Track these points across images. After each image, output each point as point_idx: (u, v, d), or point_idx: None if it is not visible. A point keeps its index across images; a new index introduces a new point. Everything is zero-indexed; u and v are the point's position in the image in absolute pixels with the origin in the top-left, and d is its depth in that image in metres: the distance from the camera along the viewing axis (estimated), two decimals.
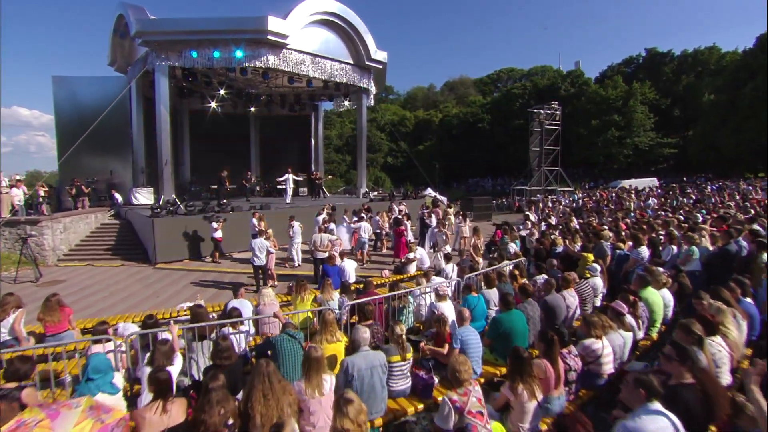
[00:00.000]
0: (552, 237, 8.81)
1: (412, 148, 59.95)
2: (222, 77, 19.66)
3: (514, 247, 9.40)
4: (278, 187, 21.15)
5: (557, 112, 35.66)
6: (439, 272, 8.53)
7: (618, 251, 7.45)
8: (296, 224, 11.81)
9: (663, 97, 46.65)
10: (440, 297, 5.55)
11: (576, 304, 5.83)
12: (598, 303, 6.60)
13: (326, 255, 10.00)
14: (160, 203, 15.29)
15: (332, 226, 12.18)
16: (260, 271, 9.96)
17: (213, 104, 21.96)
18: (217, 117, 24.23)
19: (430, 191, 29.47)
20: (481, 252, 9.38)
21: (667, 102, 46.64)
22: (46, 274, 11.61)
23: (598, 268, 6.66)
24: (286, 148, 26.14)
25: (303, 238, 12.14)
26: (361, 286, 6.77)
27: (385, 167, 58.93)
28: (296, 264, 12.00)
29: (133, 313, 7.10)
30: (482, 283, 6.32)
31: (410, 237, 12.61)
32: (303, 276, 11.06)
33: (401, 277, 9.86)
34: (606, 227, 10.44)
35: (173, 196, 16.13)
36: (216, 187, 19.44)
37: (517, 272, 6.67)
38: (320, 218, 12.87)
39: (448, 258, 8.21)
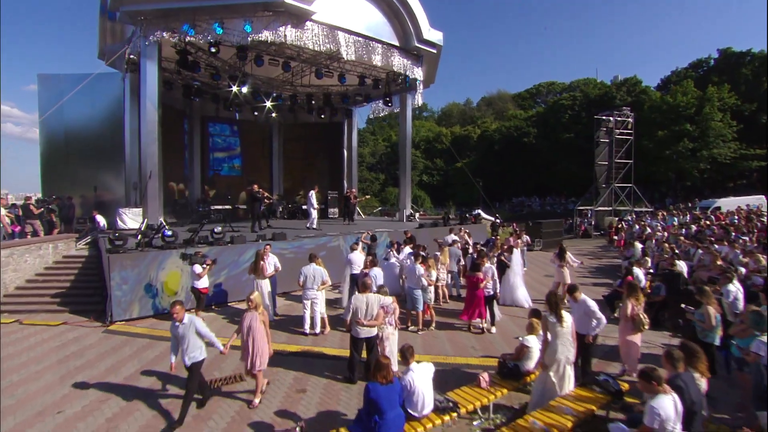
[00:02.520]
0: None
1: (448, 165, 55.50)
2: (235, 70, 15.87)
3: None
4: (303, 207, 17.43)
5: (629, 120, 30.19)
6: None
7: None
8: (306, 270, 7.41)
9: (745, 102, 40.17)
10: None
11: None
12: None
13: (374, 332, 5.47)
14: (141, 229, 11.26)
15: (376, 273, 7.52)
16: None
17: (230, 108, 18.40)
18: (234, 124, 20.81)
19: (481, 213, 24.51)
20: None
21: (751, 107, 40.05)
22: None
23: None
24: (315, 161, 22.22)
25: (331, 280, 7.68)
26: None
27: (420, 185, 54.38)
28: (307, 329, 7.50)
29: None
30: None
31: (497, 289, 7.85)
32: (323, 356, 6.11)
33: (516, 385, 5.09)
34: None
35: (161, 219, 12.12)
36: (246, 206, 16.83)
37: None
38: (357, 257, 8.31)
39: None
